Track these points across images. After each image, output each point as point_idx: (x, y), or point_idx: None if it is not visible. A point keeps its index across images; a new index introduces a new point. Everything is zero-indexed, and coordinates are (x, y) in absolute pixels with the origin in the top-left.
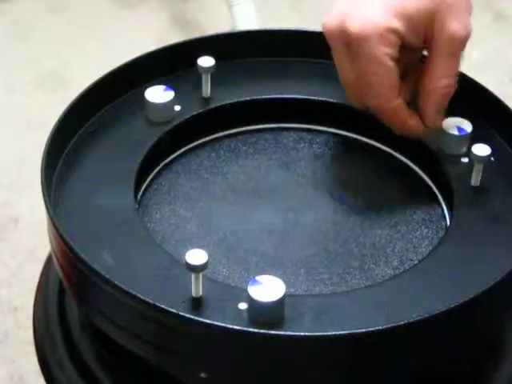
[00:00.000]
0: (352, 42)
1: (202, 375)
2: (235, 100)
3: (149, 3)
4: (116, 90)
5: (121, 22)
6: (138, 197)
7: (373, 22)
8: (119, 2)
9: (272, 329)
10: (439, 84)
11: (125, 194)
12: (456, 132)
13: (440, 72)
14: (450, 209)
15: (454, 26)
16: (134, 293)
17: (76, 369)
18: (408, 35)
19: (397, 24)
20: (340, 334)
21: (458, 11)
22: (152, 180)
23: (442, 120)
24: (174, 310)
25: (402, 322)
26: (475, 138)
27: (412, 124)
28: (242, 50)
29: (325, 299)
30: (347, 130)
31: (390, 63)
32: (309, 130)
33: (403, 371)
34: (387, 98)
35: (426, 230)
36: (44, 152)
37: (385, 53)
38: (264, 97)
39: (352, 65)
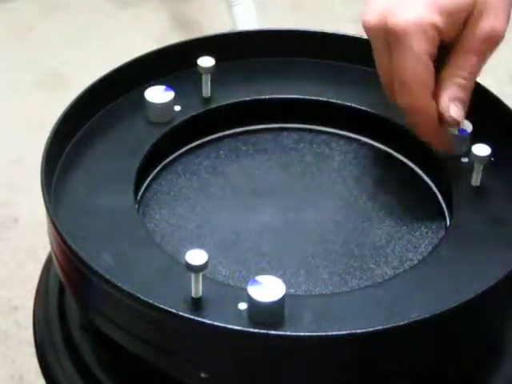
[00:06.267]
0: (393, 38)
1: (202, 375)
2: (235, 100)
3: (149, 3)
4: (116, 90)
5: (121, 22)
6: (138, 197)
7: (415, 18)
8: (119, 2)
9: (272, 329)
10: (456, 73)
11: (125, 194)
12: (456, 132)
13: (459, 64)
14: (450, 209)
15: (487, 25)
16: (133, 293)
17: (76, 369)
18: (447, 32)
19: (438, 20)
20: (340, 334)
21: (496, 11)
22: (152, 180)
23: (459, 115)
24: (174, 310)
25: (402, 322)
26: (475, 138)
27: (442, 132)
28: (242, 50)
29: (325, 299)
30: (347, 130)
31: (429, 61)
32: (309, 130)
33: (403, 371)
34: (421, 97)
35: (426, 230)
36: (44, 152)
37: (424, 49)
38: (264, 97)
39: (391, 62)
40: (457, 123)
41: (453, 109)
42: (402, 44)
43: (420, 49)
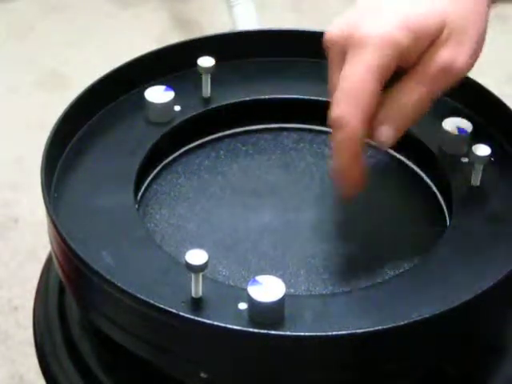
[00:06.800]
0: (350, 49)
1: (202, 375)
2: (235, 100)
3: (149, 3)
4: (116, 90)
5: (121, 22)
6: (138, 197)
7: (379, 33)
8: (119, 2)
9: (272, 329)
10: (400, 97)
11: (125, 194)
12: (456, 132)
13: (407, 90)
14: (450, 209)
15: (447, 54)
16: (134, 293)
17: (76, 369)
18: (409, 53)
19: (403, 40)
20: (340, 334)
21: (462, 39)
22: (152, 180)
23: (387, 139)
24: (174, 310)
25: (402, 322)
26: (475, 138)
27: (355, 173)
28: (241, 50)
29: (325, 299)
30: None
31: (378, 78)
32: (309, 130)
33: (403, 371)
34: (353, 111)
35: (426, 230)
36: (44, 152)
37: (378, 64)
38: (264, 97)
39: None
40: (382, 147)
41: (382, 131)
42: (357, 55)
43: (374, 62)
